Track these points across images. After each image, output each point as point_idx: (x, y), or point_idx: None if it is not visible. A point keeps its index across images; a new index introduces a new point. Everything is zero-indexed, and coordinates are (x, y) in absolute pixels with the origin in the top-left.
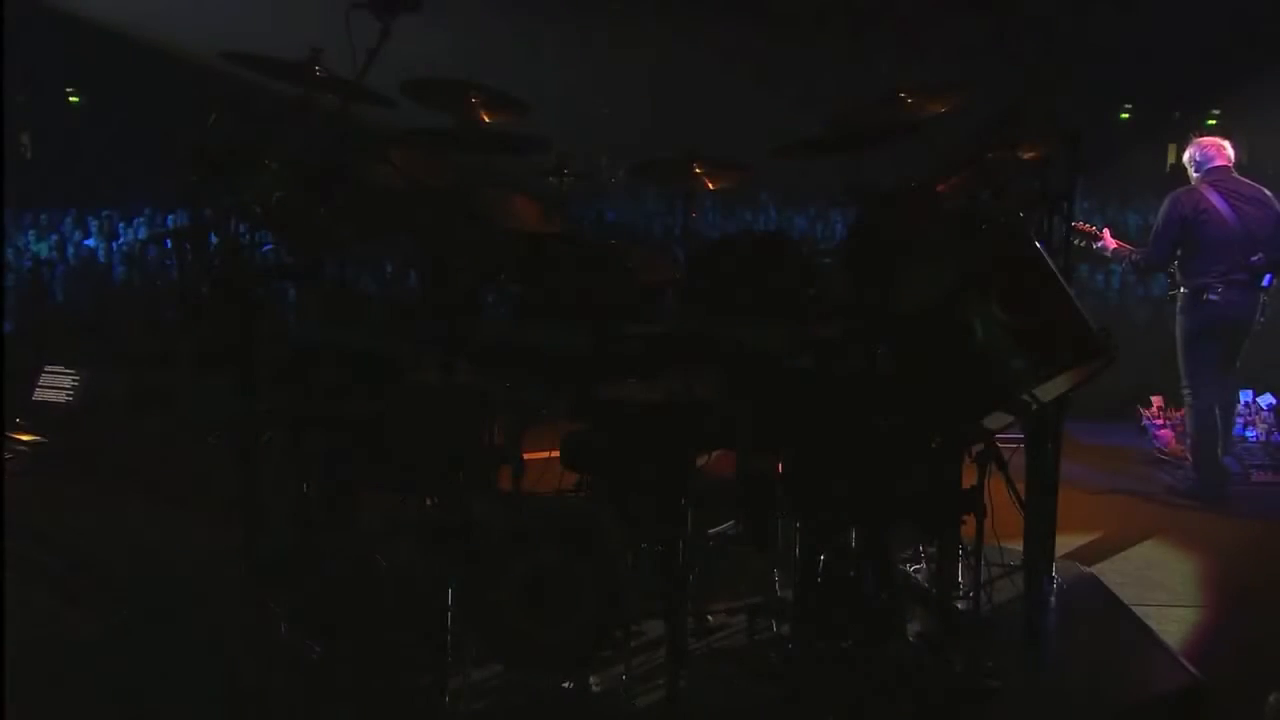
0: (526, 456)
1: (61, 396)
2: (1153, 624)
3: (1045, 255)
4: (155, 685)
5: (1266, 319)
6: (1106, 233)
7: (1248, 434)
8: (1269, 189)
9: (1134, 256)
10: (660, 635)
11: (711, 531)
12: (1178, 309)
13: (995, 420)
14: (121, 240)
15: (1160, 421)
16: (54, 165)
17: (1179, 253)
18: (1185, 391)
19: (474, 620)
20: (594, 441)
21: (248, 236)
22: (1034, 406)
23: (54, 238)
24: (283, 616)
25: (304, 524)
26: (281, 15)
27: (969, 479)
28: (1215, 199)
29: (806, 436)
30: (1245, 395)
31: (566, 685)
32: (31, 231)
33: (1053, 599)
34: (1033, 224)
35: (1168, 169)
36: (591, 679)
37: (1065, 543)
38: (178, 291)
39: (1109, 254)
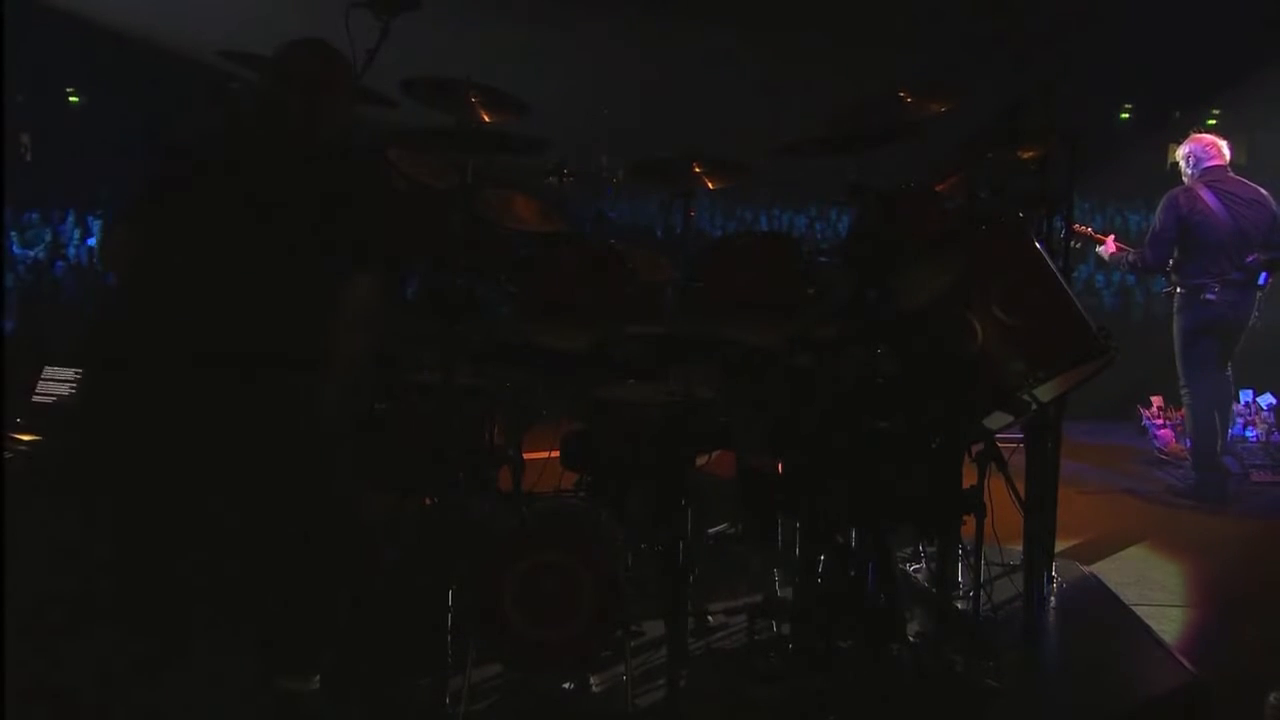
0: (526, 456)
1: (62, 397)
2: (1153, 624)
3: (1045, 255)
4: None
5: (1263, 317)
6: (1111, 239)
7: (1248, 434)
8: (1269, 189)
9: (1130, 257)
10: (660, 635)
11: (711, 531)
12: (1175, 308)
13: (995, 420)
14: None
15: (1160, 421)
16: (54, 165)
17: (1175, 253)
18: (1184, 391)
19: (474, 621)
20: (594, 441)
21: None
22: (1034, 406)
23: (54, 243)
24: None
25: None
26: (281, 15)
27: (969, 479)
28: (1210, 199)
29: (806, 437)
30: (1245, 395)
31: (567, 685)
32: (39, 233)
33: (1053, 599)
34: (1033, 224)
35: (1168, 169)
36: (591, 679)
37: (1065, 542)
38: None
39: (1107, 258)
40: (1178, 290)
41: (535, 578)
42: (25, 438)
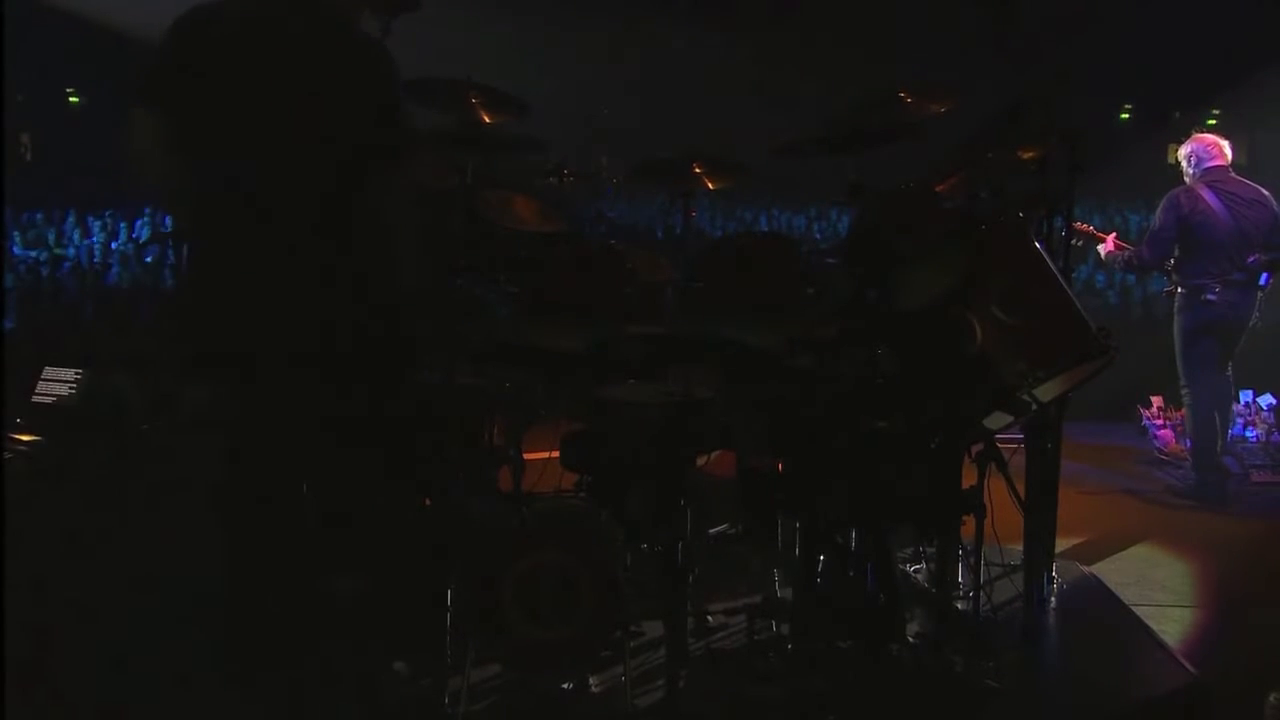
0: (526, 456)
1: (62, 397)
2: (1153, 624)
3: (1045, 255)
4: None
5: (1263, 317)
6: (1111, 237)
7: (1248, 434)
8: (1269, 189)
9: (1128, 255)
10: (660, 635)
11: (711, 531)
12: (1175, 308)
13: (995, 420)
14: (122, 240)
15: (1160, 421)
16: (54, 165)
17: (1175, 252)
18: (1184, 391)
19: (474, 621)
20: (594, 441)
21: None
22: (1034, 406)
23: (55, 243)
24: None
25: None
26: None
27: (969, 479)
28: (1211, 199)
29: (806, 437)
30: (1245, 395)
31: (566, 685)
32: (42, 234)
33: (1053, 599)
34: (1033, 224)
35: (1168, 169)
36: (591, 679)
37: (1065, 543)
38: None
39: (1104, 256)
40: (1178, 290)
41: (535, 578)
42: (25, 438)
